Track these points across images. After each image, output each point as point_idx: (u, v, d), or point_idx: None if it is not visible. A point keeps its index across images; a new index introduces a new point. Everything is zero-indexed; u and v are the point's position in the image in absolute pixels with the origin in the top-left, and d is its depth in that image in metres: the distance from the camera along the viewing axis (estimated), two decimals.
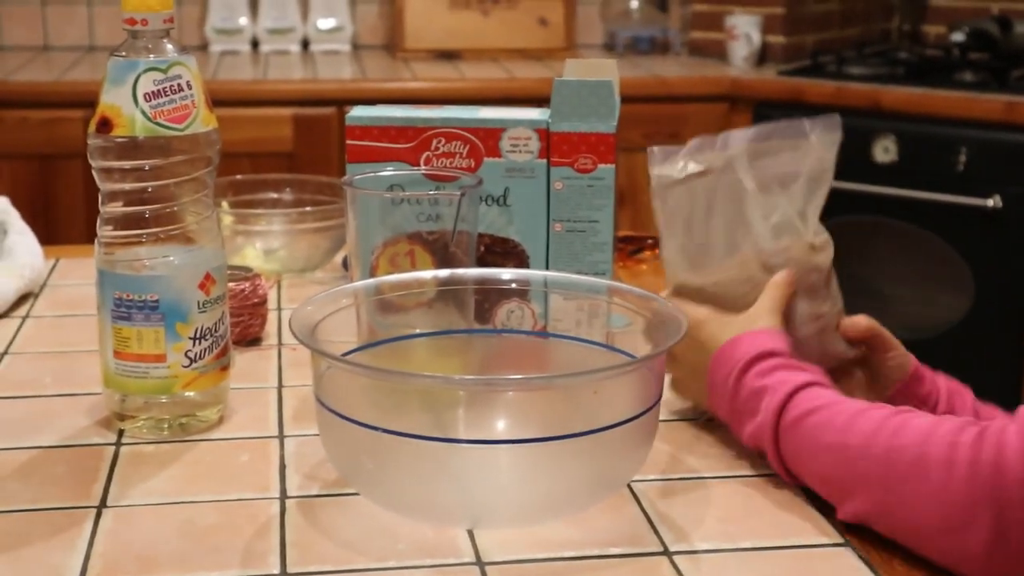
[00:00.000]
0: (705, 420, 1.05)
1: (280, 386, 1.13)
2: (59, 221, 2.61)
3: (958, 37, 2.90)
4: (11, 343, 1.24)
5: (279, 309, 1.34)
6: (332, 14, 3.16)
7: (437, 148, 1.16)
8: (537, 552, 0.84)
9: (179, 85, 0.97)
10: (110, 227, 1.00)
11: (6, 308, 1.31)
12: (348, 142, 1.17)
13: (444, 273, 1.03)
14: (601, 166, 1.16)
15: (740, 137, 1.00)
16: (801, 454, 0.90)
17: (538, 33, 3.16)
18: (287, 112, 2.67)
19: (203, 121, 0.99)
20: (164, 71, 0.97)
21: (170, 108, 0.97)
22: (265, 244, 1.43)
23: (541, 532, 0.86)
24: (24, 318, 1.31)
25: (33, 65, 2.89)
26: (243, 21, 3.11)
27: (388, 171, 1.13)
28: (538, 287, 1.10)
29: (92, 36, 3.12)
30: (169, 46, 0.98)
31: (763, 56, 3.04)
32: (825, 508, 0.89)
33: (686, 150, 1.02)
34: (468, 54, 3.10)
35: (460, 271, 1.04)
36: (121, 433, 1.02)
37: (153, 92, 0.96)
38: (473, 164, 1.16)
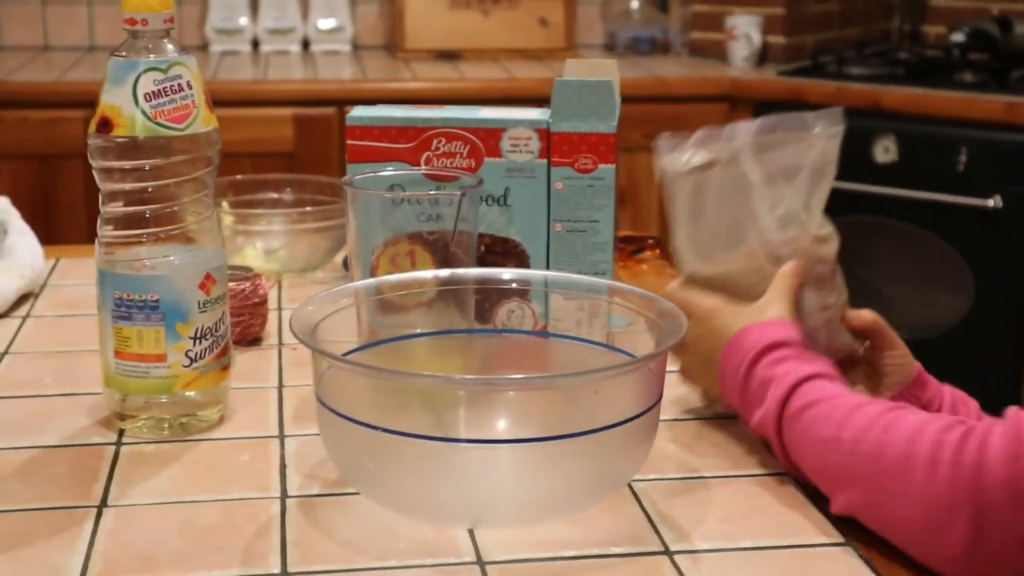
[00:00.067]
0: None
1: (280, 386, 1.13)
2: (59, 221, 2.61)
3: (958, 37, 2.90)
4: (11, 343, 1.24)
5: (279, 309, 1.34)
6: (332, 14, 3.16)
7: (437, 148, 1.16)
8: (538, 552, 0.84)
9: (179, 85, 0.97)
10: (110, 227, 1.00)
11: (6, 308, 1.32)
12: (348, 142, 1.17)
13: (444, 273, 1.03)
14: (601, 166, 1.16)
15: (745, 129, 1.01)
16: (801, 445, 0.90)
17: (538, 33, 3.16)
18: (287, 112, 2.67)
19: (203, 121, 0.99)
20: (164, 71, 0.97)
21: (170, 108, 0.97)
22: (265, 244, 1.43)
23: (542, 532, 0.86)
24: (24, 318, 1.31)
25: (33, 65, 2.89)
26: (243, 21, 3.11)
27: (388, 171, 1.13)
28: (538, 287, 1.10)
29: (92, 36, 3.13)
30: (169, 46, 0.98)
31: (763, 56, 3.04)
32: (826, 507, 0.89)
33: (692, 141, 1.02)
34: (468, 54, 3.10)
35: (460, 271, 1.04)
36: (121, 433, 1.02)
37: (153, 92, 0.96)
38: (473, 164, 1.16)
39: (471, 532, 0.86)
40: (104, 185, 0.99)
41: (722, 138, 1.01)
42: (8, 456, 0.98)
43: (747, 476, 0.96)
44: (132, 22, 0.97)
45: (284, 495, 0.92)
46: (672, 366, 1.09)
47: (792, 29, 3.07)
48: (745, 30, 3.00)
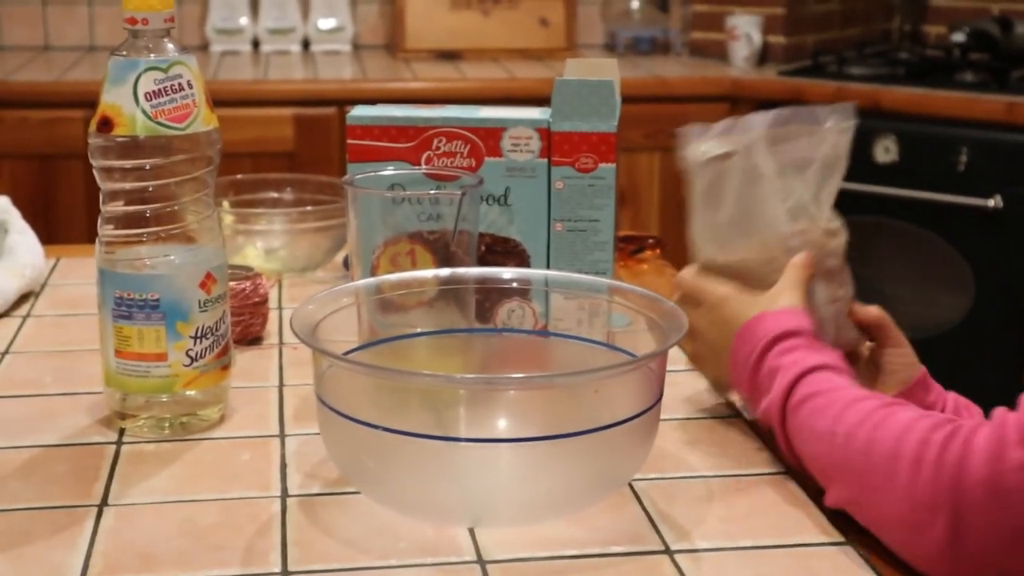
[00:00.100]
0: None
1: (281, 385, 1.13)
2: (60, 221, 2.61)
3: (959, 37, 2.90)
4: (12, 342, 1.24)
5: (280, 308, 1.34)
6: (333, 14, 3.16)
7: (438, 147, 1.16)
8: (538, 551, 0.84)
9: (180, 84, 0.97)
10: (111, 226, 1.00)
11: (7, 307, 1.32)
12: (349, 141, 1.17)
13: (445, 272, 1.03)
14: (602, 165, 1.16)
15: (760, 120, 1.02)
16: (800, 436, 0.91)
17: (539, 33, 3.16)
18: (288, 112, 2.67)
19: (204, 120, 0.99)
20: (165, 70, 0.97)
21: (171, 107, 0.97)
22: (266, 243, 1.44)
23: (542, 531, 0.86)
24: (25, 317, 1.31)
25: (34, 65, 2.89)
26: (244, 21, 3.11)
27: (389, 170, 1.13)
28: (539, 286, 1.10)
29: (93, 36, 3.13)
30: (170, 45, 0.98)
31: (764, 56, 3.04)
32: (826, 507, 0.89)
33: (715, 130, 1.03)
34: (469, 54, 3.10)
35: (461, 270, 1.04)
36: (122, 432, 1.02)
37: (154, 91, 0.96)
38: (474, 163, 1.16)
39: (471, 531, 0.86)
40: (105, 184, 0.99)
41: (741, 128, 1.02)
42: (9, 455, 0.98)
43: (747, 475, 0.96)
44: (133, 21, 0.97)
45: (284, 494, 0.92)
46: (674, 365, 1.09)
47: (792, 29, 3.07)
48: (745, 30, 3.00)
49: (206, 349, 1.01)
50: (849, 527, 0.87)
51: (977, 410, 1.03)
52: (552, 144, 1.16)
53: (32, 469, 0.96)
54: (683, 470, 0.96)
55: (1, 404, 1.09)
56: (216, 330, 1.02)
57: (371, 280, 1.02)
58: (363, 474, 0.88)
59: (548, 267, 1.18)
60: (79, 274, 1.43)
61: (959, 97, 2.63)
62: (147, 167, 0.97)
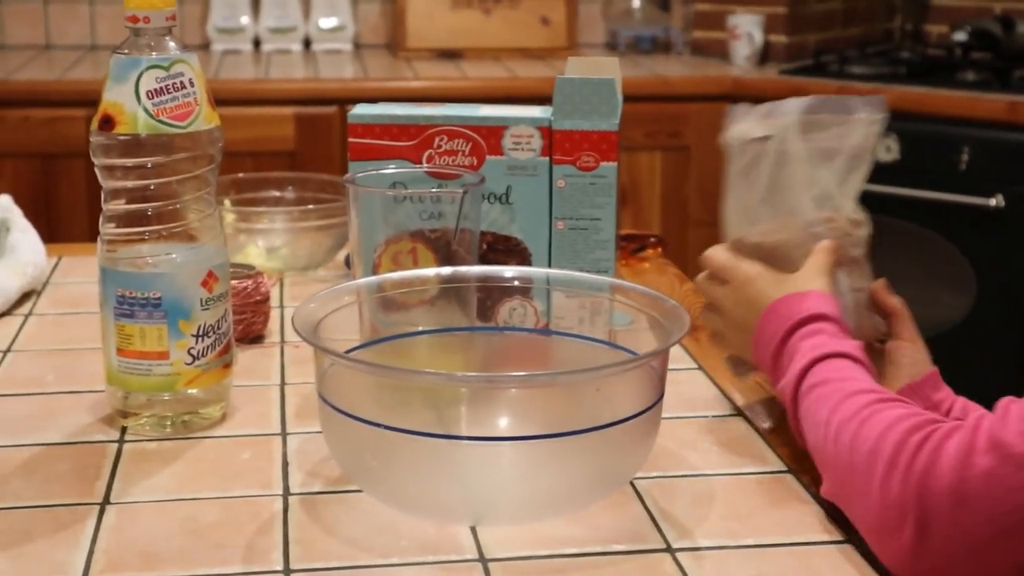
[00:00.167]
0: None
1: (283, 383, 1.13)
2: (61, 219, 2.61)
3: (960, 37, 2.90)
4: (14, 341, 1.24)
5: (281, 307, 1.34)
6: (334, 13, 3.16)
7: (439, 146, 1.16)
8: (539, 549, 0.84)
9: (181, 83, 0.98)
10: (113, 225, 1.00)
11: (9, 306, 1.32)
12: (350, 140, 1.17)
13: (446, 271, 1.03)
14: (603, 164, 1.16)
15: (794, 107, 1.03)
16: (806, 422, 0.91)
17: (540, 32, 3.16)
18: (289, 111, 2.67)
19: (205, 119, 0.99)
20: (166, 69, 0.97)
21: (172, 106, 0.97)
22: (267, 242, 1.44)
23: (543, 529, 0.86)
24: (27, 316, 1.31)
25: (35, 64, 2.89)
26: (245, 20, 3.11)
27: (390, 169, 1.13)
28: (540, 285, 1.10)
29: (94, 35, 3.13)
30: (171, 44, 0.98)
31: (765, 55, 3.04)
32: (827, 505, 0.89)
33: (757, 112, 1.05)
34: (470, 53, 3.10)
35: (462, 269, 1.04)
36: (124, 430, 1.02)
37: (155, 90, 0.97)
38: (475, 162, 1.16)
39: (473, 529, 0.86)
40: (106, 183, 0.99)
41: (777, 112, 1.04)
42: (11, 454, 0.98)
43: (749, 474, 0.96)
44: (134, 20, 0.97)
45: (286, 492, 0.92)
46: (676, 363, 1.10)
47: (794, 28, 3.07)
48: (747, 29, 3.00)
49: (208, 347, 1.01)
50: (851, 526, 0.87)
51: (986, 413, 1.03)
52: (553, 142, 1.16)
53: (34, 467, 0.96)
54: (684, 468, 0.96)
55: (3, 402, 1.09)
56: (218, 328, 1.02)
57: (373, 278, 1.02)
58: (365, 472, 0.88)
59: (549, 265, 1.18)
60: (81, 272, 1.43)
61: (961, 96, 2.62)
62: (149, 165, 0.97)
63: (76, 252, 1.52)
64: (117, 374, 1.01)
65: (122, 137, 0.97)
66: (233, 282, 1.16)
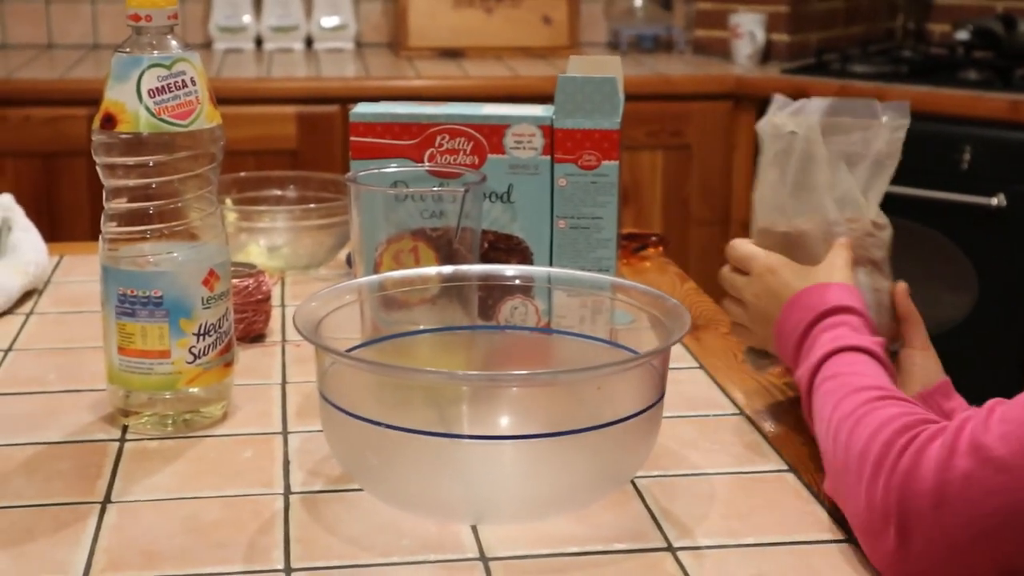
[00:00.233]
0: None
1: (284, 382, 1.13)
2: (63, 218, 2.61)
3: (962, 35, 2.90)
4: (15, 340, 1.24)
5: (283, 306, 1.34)
6: (336, 12, 3.15)
7: (441, 145, 1.16)
8: (541, 548, 0.84)
9: (183, 81, 0.98)
10: (114, 223, 1.00)
11: (10, 305, 1.32)
12: (352, 138, 1.17)
13: (448, 269, 1.03)
14: (605, 162, 1.16)
15: (816, 107, 1.04)
16: (815, 415, 0.92)
17: (542, 31, 3.16)
18: (291, 110, 2.67)
19: (207, 117, 0.99)
20: (168, 67, 0.97)
21: (174, 104, 0.97)
22: (269, 241, 1.44)
23: (545, 528, 0.86)
24: (28, 315, 1.31)
25: (37, 63, 2.89)
26: (247, 19, 3.11)
27: (392, 168, 1.13)
28: (542, 283, 1.10)
29: (96, 34, 3.13)
30: (173, 42, 0.98)
31: (767, 54, 3.04)
32: (828, 505, 0.89)
33: (791, 107, 1.06)
34: (472, 52, 3.10)
35: (464, 267, 1.04)
36: (125, 429, 1.02)
37: (157, 88, 0.97)
38: (477, 161, 1.16)
39: (474, 528, 0.86)
40: (108, 181, 0.99)
41: (803, 111, 1.05)
42: (12, 452, 0.98)
43: (750, 473, 0.96)
44: (136, 18, 0.97)
45: (287, 491, 0.92)
46: (677, 362, 1.10)
47: (796, 27, 3.07)
48: (749, 28, 3.00)
49: (209, 346, 1.01)
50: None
51: None
52: (555, 141, 1.16)
53: (35, 466, 0.96)
54: (685, 467, 0.96)
55: (4, 401, 1.09)
56: (219, 327, 1.02)
57: (374, 277, 1.02)
58: (366, 471, 0.88)
59: (551, 264, 1.18)
60: (82, 271, 1.43)
61: (963, 95, 2.62)
62: (150, 164, 0.97)
63: (78, 251, 1.52)
64: (118, 373, 1.01)
65: (124, 136, 0.97)
66: (234, 281, 1.16)
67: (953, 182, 2.55)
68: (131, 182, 0.98)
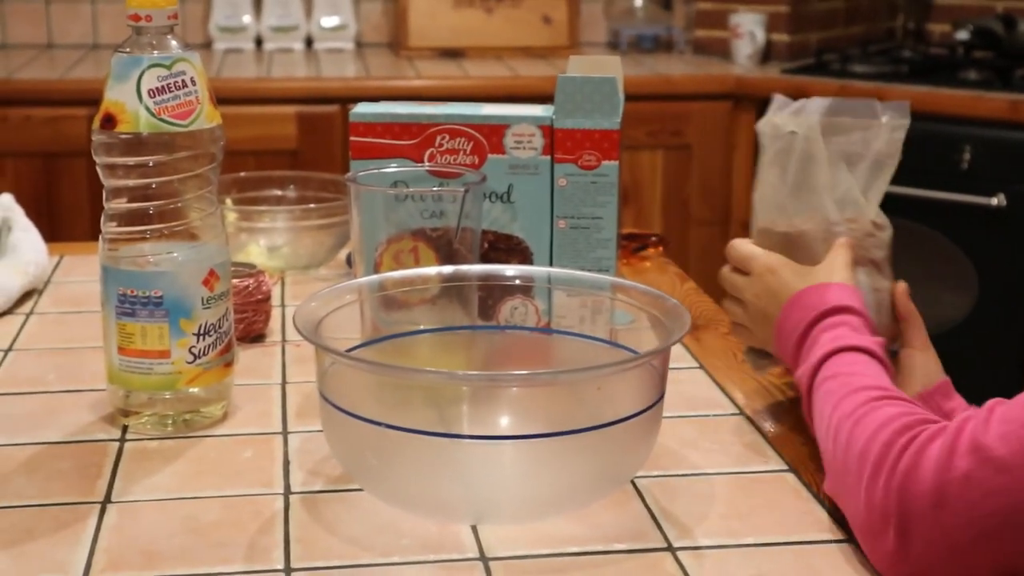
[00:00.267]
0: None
1: (284, 382, 1.13)
2: (63, 218, 2.61)
3: (962, 35, 2.90)
4: (15, 339, 1.24)
5: (283, 306, 1.34)
6: (336, 12, 3.15)
7: (441, 145, 1.16)
8: (541, 548, 0.84)
9: (183, 81, 0.98)
10: (114, 223, 1.00)
11: (10, 305, 1.32)
12: (352, 138, 1.17)
13: (448, 269, 1.03)
14: (605, 162, 1.16)
15: (816, 107, 1.04)
16: (814, 415, 0.92)
17: (542, 31, 3.16)
18: (291, 110, 2.67)
19: (207, 117, 0.99)
20: (168, 67, 0.97)
21: (174, 104, 0.97)
22: (269, 241, 1.44)
23: (545, 528, 0.86)
24: (28, 315, 1.31)
25: (37, 63, 2.89)
26: (247, 19, 3.11)
27: (392, 168, 1.13)
28: (542, 283, 1.10)
29: (96, 34, 3.13)
30: (173, 42, 0.98)
31: (767, 54, 3.04)
32: (828, 504, 0.89)
33: (791, 107, 1.06)
34: (472, 52, 3.10)
35: (464, 267, 1.04)
36: (125, 429, 1.02)
37: (157, 88, 0.97)
38: (477, 161, 1.16)
39: (474, 528, 0.86)
40: (108, 181, 0.99)
41: (803, 111, 1.05)
42: (12, 452, 0.98)
43: (750, 473, 0.96)
44: (136, 18, 0.97)
45: (287, 491, 0.92)
46: (677, 362, 1.10)
47: (796, 27, 3.07)
48: (749, 28, 3.00)
49: (209, 346, 1.01)
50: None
51: None
52: (555, 141, 1.16)
53: (35, 466, 0.96)
54: (685, 467, 0.96)
55: (5, 401, 1.09)
56: (219, 327, 1.02)
57: (374, 277, 1.02)
58: (366, 471, 0.88)
59: (551, 264, 1.18)
60: (82, 271, 1.43)
61: (963, 95, 2.62)
62: (150, 164, 0.97)
63: (78, 251, 1.52)
64: (118, 373, 1.01)
65: (124, 136, 0.97)
66: (234, 281, 1.16)
67: (953, 182, 2.55)
68: (131, 182, 0.98)
